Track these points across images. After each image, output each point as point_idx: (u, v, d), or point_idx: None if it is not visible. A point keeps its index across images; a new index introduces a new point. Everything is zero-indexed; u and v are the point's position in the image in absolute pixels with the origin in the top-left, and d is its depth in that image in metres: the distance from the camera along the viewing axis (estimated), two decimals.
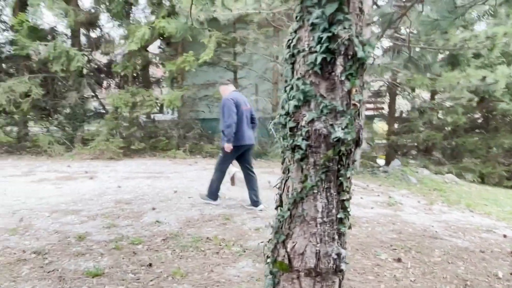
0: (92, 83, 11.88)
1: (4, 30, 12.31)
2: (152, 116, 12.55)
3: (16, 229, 4.67)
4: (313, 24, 2.03)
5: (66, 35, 11.33)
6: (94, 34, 12.01)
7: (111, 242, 4.31)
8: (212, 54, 10.33)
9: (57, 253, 4.01)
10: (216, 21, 9.27)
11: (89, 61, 10.88)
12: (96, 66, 11.84)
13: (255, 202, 5.80)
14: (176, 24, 8.66)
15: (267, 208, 5.76)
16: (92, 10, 11.51)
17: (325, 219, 2.12)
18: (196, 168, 9.19)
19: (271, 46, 10.82)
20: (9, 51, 11.37)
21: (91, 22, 11.30)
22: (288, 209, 2.18)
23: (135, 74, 11.44)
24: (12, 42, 10.32)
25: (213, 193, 5.89)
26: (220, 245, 4.34)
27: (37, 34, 9.67)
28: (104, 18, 13.18)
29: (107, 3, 10.18)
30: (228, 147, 5.49)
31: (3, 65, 11.34)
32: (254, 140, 5.99)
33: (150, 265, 3.75)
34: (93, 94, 12.08)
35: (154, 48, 14.09)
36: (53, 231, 4.65)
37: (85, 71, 11.00)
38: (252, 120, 5.84)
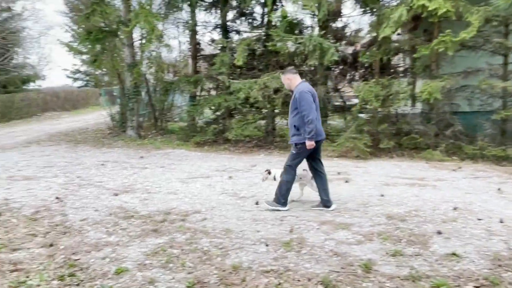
0: (336, 76, 11.47)
1: (254, 27, 12.98)
2: (396, 110, 11.30)
3: (290, 243, 4.22)
4: None
5: (312, 27, 11.13)
6: (339, 24, 11.53)
7: (406, 281, 3.40)
8: (475, 33, 8.43)
9: (346, 287, 3.31)
10: None
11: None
12: (340, 58, 11.30)
13: (326, 202, 5.38)
14: None
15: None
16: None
17: None
18: (463, 175, 7.60)
19: None
20: (260, 48, 11.84)
21: (337, 12, 10.79)
22: None
23: (380, 64, 10.39)
24: (264, 39, 10.63)
25: (283, 196, 5.34)
26: None
27: (291, 28, 9.63)
28: (348, 6, 12.61)
29: None
30: (312, 145, 5.09)
31: (255, 62, 11.91)
32: None
33: None
34: (335, 87, 11.65)
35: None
36: (330, 251, 4.03)
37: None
38: None
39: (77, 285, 3.38)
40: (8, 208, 5.57)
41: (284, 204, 5.38)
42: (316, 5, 8.91)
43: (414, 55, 9.68)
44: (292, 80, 5.35)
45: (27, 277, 3.50)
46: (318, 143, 5.25)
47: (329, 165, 8.55)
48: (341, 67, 11.80)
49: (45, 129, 16.07)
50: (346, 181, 7.03)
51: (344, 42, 11.52)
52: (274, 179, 5.73)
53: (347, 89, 12.59)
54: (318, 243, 4.24)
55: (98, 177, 7.59)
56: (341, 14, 11.51)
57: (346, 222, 4.89)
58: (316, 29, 10.66)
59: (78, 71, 34.44)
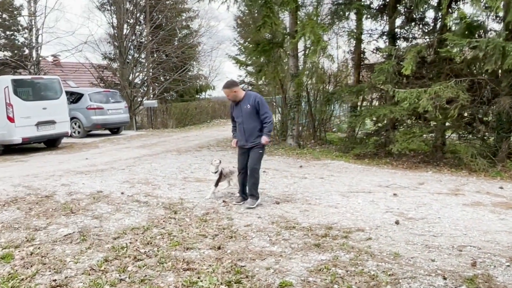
0: None
1: (425, 33, 12.02)
2: None
3: (474, 280, 3.62)
4: None
5: (496, 30, 9.78)
6: None
7: None
8: None
9: None
10: None
11: None
12: None
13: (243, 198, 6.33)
14: None
15: None
16: None
17: None
18: None
19: None
20: (431, 55, 10.90)
21: None
22: None
23: None
24: (437, 45, 9.72)
25: (257, 191, 6.21)
26: None
27: (471, 32, 8.56)
28: None
29: None
30: (269, 141, 6.08)
31: (424, 70, 10.98)
32: None
33: None
34: None
35: None
36: None
37: None
38: None
39: None
40: (183, 207, 6.05)
41: (258, 197, 6.23)
42: (503, 4, 7.72)
43: None
44: (238, 92, 6.00)
45: (198, 278, 3.66)
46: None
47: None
48: None
49: (213, 135, 17.47)
50: None
51: None
52: (217, 173, 6.54)
53: None
54: (510, 284, 3.55)
55: (261, 184, 7.76)
56: None
57: None
58: (502, 32, 9.27)
59: (242, 82, 37.01)
